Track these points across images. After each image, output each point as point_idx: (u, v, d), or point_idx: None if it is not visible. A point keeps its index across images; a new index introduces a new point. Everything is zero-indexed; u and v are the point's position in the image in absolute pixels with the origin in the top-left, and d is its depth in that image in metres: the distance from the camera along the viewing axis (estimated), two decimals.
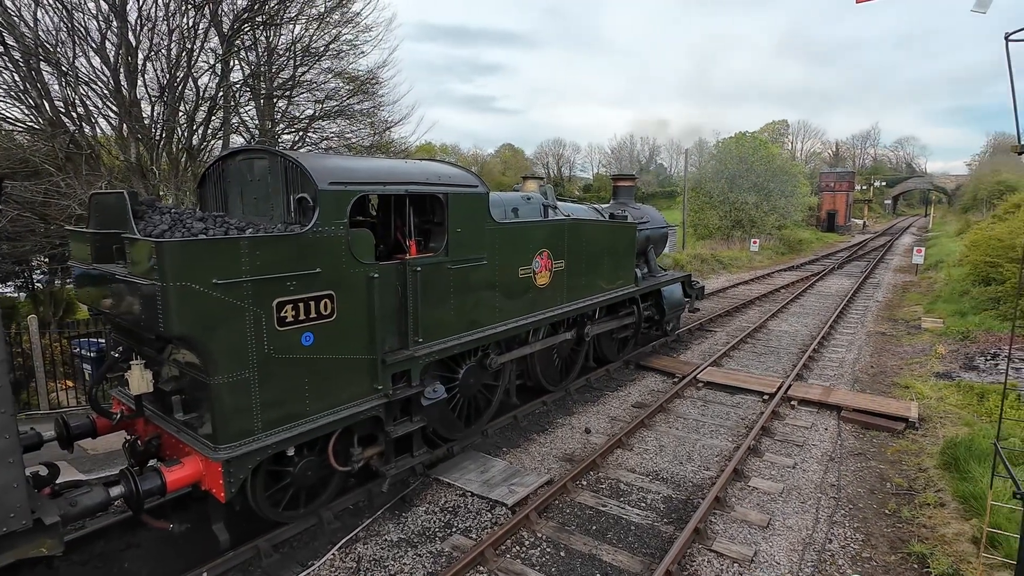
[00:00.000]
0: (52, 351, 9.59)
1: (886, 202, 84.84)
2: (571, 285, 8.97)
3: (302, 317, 5.15)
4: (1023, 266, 6.15)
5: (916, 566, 5.48)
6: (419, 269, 6.23)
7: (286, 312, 5.01)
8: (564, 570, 5.32)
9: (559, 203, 9.81)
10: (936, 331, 14.03)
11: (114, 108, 11.53)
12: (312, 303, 5.21)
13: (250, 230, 4.96)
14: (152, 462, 5.47)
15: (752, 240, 31.37)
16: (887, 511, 6.41)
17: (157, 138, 11.53)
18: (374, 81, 15.45)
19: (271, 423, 5.04)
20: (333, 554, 5.54)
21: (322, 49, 13.78)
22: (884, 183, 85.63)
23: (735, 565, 5.41)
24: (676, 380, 10.60)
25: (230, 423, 4.76)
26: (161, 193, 11.57)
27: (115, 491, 4.51)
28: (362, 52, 15.22)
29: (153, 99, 11.89)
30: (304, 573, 5.26)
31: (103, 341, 7.86)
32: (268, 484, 5.53)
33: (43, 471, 4.75)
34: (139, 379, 5.06)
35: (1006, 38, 3.73)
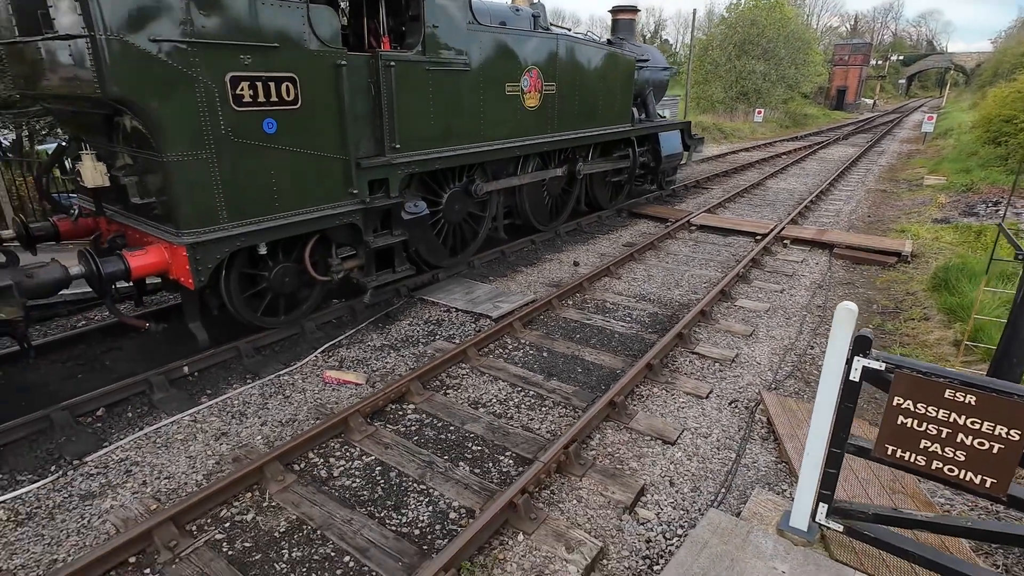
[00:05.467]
0: (18, 188, 9.13)
1: (900, 82, 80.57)
2: (563, 112, 8.39)
3: (261, 99, 4.67)
4: None
5: None
6: (393, 64, 5.65)
7: (242, 90, 4.53)
8: (545, 366, 5.35)
9: (552, 28, 8.93)
10: (938, 187, 13.66)
11: None
12: (272, 84, 4.71)
13: None
14: None
15: (756, 111, 29.92)
16: (871, 325, 6.42)
17: None
18: None
19: (238, 214, 4.75)
20: (316, 355, 5.53)
21: None
22: (901, 58, 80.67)
23: (716, 364, 5.45)
24: (669, 224, 10.36)
25: (191, 207, 4.47)
26: None
27: (75, 269, 4.31)
28: None
29: None
30: (287, 370, 5.26)
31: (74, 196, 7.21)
32: (245, 287, 5.38)
33: (0, 259, 4.52)
34: (92, 170, 4.69)
35: None
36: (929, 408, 2.58)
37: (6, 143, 14.63)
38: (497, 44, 6.92)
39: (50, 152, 6.99)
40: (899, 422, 2.66)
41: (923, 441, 2.63)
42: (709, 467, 4.01)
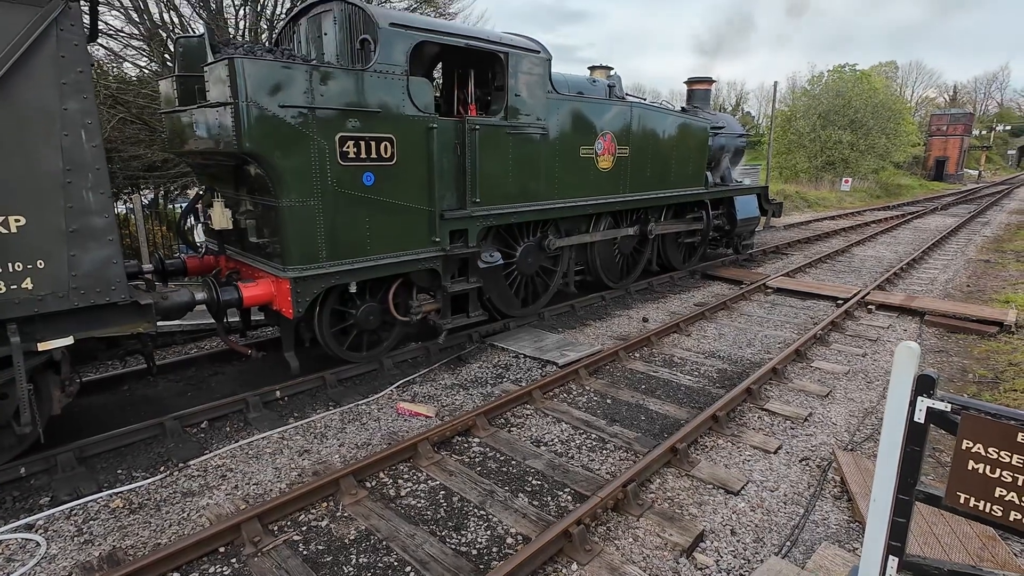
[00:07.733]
0: (154, 235, 10.57)
1: (1009, 152, 75.36)
2: (635, 175, 8.74)
3: (363, 156, 5.36)
4: None
5: None
6: (478, 128, 6.27)
7: (348, 148, 5.23)
8: (608, 412, 5.41)
9: (628, 97, 9.47)
10: None
11: (203, 17, 12.19)
12: (373, 143, 5.40)
13: (314, 60, 5.16)
14: None
15: (844, 180, 29.04)
16: (966, 394, 5.99)
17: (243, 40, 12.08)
18: None
19: (335, 255, 5.36)
20: (391, 390, 5.91)
21: None
22: (1008, 128, 75.68)
23: (787, 421, 5.29)
24: (744, 286, 10.22)
25: (297, 246, 5.11)
26: None
27: (199, 295, 5.00)
28: None
29: (237, 7, 12.46)
30: (364, 401, 5.66)
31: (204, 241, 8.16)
32: (334, 323, 5.93)
33: (142, 285, 5.33)
34: (220, 215, 5.52)
35: None
36: (1002, 453, 2.49)
37: (146, 200, 17.04)
38: (573, 111, 7.47)
39: (182, 207, 8.18)
40: (970, 467, 2.57)
41: (998, 489, 2.51)
42: (774, 520, 3.88)
